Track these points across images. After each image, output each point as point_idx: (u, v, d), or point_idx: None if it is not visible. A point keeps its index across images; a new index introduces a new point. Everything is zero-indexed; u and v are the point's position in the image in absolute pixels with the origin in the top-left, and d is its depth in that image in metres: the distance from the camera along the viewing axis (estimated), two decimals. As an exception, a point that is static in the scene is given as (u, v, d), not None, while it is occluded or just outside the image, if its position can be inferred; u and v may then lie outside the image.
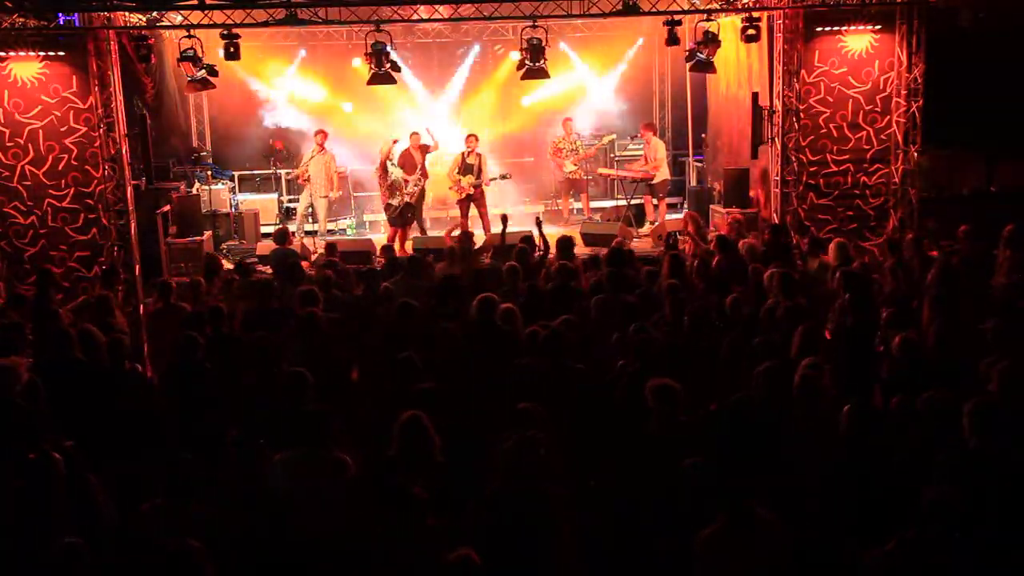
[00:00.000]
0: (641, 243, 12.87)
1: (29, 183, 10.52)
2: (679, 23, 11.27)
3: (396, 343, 6.47)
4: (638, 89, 16.74)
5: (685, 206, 14.54)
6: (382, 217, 13.86)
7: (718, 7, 11.61)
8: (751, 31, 11.04)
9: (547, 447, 4.77)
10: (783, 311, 6.79)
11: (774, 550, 4.28)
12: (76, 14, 10.20)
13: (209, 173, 14.55)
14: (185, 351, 6.59)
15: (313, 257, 11.34)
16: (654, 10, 11.15)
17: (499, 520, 4.45)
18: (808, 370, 5.47)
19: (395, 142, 13.08)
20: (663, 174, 13.86)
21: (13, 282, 10.24)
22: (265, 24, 11.02)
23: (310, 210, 13.87)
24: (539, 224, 9.89)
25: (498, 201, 14.93)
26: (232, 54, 10.78)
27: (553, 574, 4.43)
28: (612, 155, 15.62)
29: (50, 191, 10.57)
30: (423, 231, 13.60)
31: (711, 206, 13.67)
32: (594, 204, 15.26)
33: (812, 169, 11.54)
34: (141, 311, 10.44)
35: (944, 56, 11.44)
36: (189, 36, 10.59)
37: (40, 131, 10.45)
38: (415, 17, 11.99)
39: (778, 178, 11.62)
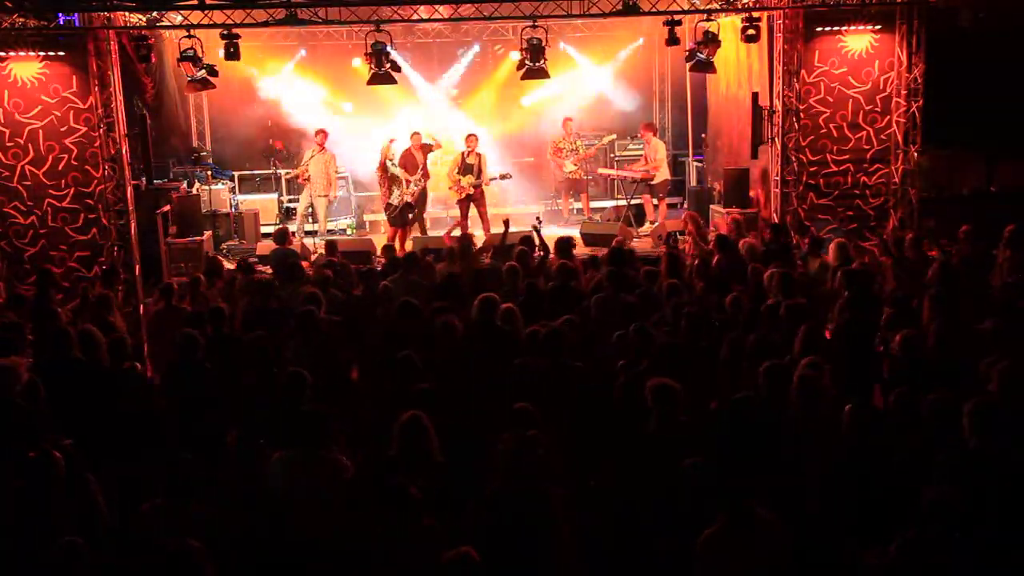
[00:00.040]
0: (641, 243, 12.87)
1: (29, 183, 10.52)
2: (679, 23, 11.28)
3: (396, 343, 6.47)
4: (638, 89, 16.74)
5: (685, 206, 14.53)
6: (382, 217, 13.86)
7: (718, 7, 11.60)
8: (751, 31, 11.05)
9: (545, 447, 4.78)
10: (784, 310, 6.79)
11: (774, 550, 4.28)
12: (76, 14, 10.20)
13: (209, 173, 14.55)
14: (185, 351, 6.59)
15: (313, 257, 11.33)
16: (654, 10, 11.15)
17: (499, 520, 4.45)
18: (808, 370, 5.48)
19: (392, 141, 13.07)
20: (663, 174, 13.86)
21: (13, 282, 10.24)
22: (265, 24, 11.02)
23: (310, 210, 13.86)
24: (538, 230, 9.82)
25: (498, 201, 14.96)
26: (232, 54, 10.78)
27: (553, 574, 4.43)
28: (612, 155, 15.61)
29: (50, 191, 10.57)
30: (423, 231, 13.59)
31: (711, 206, 13.67)
32: (594, 204, 15.25)
33: (812, 169, 11.54)
34: (141, 311, 10.45)
35: (944, 56, 11.45)
36: (189, 36, 10.59)
37: (40, 131, 10.45)
38: (415, 17, 11.99)
39: (778, 178, 11.62)
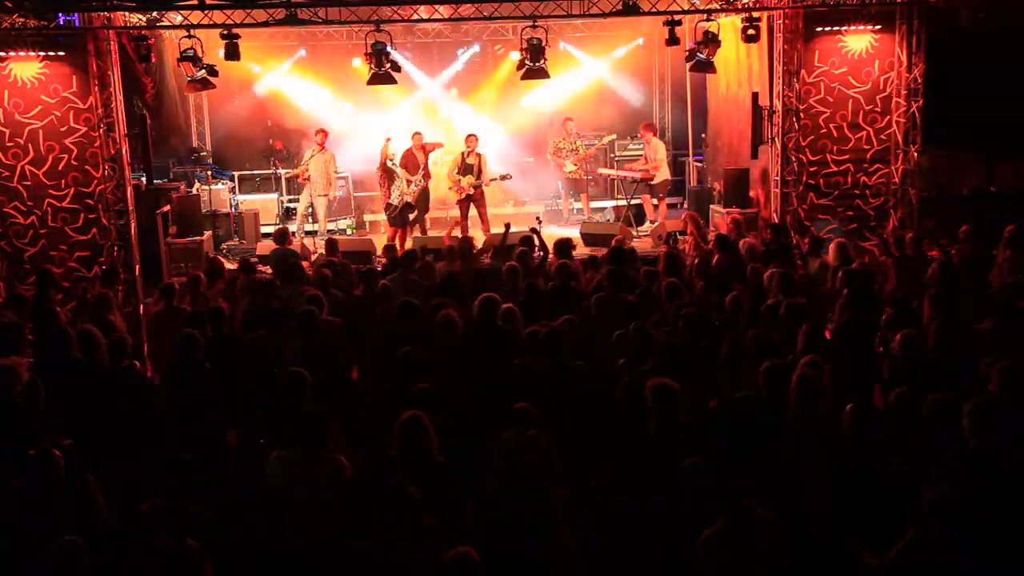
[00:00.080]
0: (641, 243, 12.87)
1: (29, 183, 10.52)
2: (679, 23, 11.27)
3: (396, 342, 6.47)
4: (638, 89, 16.73)
5: (685, 206, 14.53)
6: (382, 217, 13.86)
7: (718, 7, 11.60)
8: (751, 31, 11.04)
9: (545, 447, 4.78)
10: (784, 310, 6.80)
11: (774, 550, 4.28)
12: (76, 14, 10.20)
13: (209, 173, 14.55)
14: (185, 351, 6.59)
15: (313, 257, 11.33)
16: (654, 10, 11.14)
17: (499, 520, 4.45)
18: (807, 369, 5.48)
19: (388, 140, 13.04)
20: (663, 174, 13.85)
21: (13, 282, 10.24)
22: (265, 24, 11.01)
23: (310, 210, 13.86)
24: (537, 231, 9.82)
25: (499, 201, 14.95)
26: (232, 54, 10.78)
27: (553, 574, 4.43)
28: (612, 155, 15.60)
29: (50, 191, 10.57)
30: (424, 231, 13.59)
31: (711, 206, 13.67)
32: (594, 204, 15.25)
33: (812, 169, 11.54)
34: (141, 311, 10.45)
35: (944, 56, 11.45)
36: (189, 36, 10.59)
37: (40, 131, 10.45)
38: (415, 17, 11.98)
39: (778, 178, 11.62)
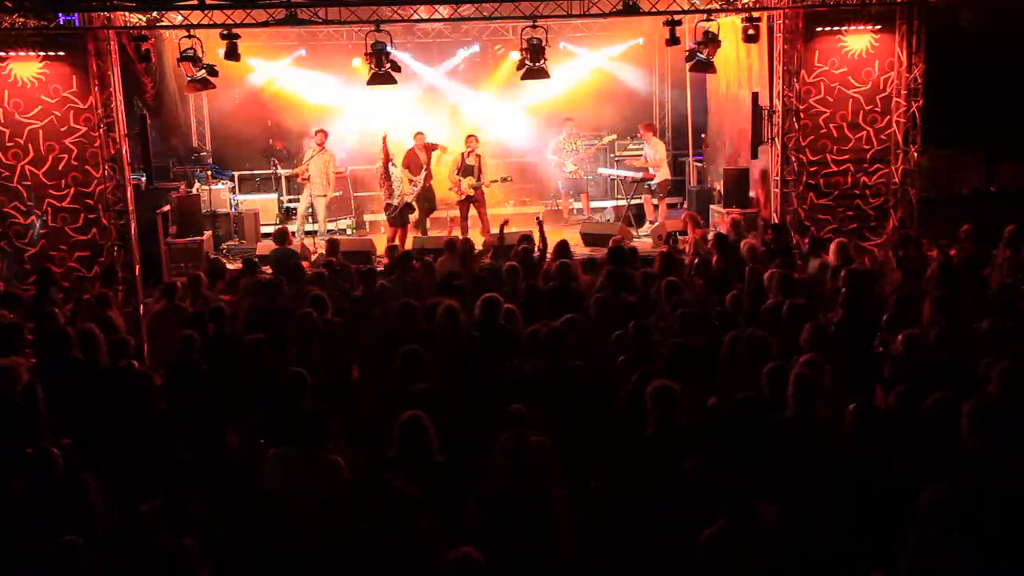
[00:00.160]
0: (641, 243, 12.87)
1: (29, 183, 10.51)
2: (679, 23, 11.27)
3: (395, 343, 6.46)
4: (638, 89, 16.73)
5: (685, 206, 14.54)
6: (382, 217, 13.85)
7: (718, 7, 11.60)
8: (751, 31, 11.04)
9: (545, 447, 4.77)
10: (787, 309, 6.79)
11: (774, 550, 4.28)
12: (76, 14, 10.19)
13: (209, 173, 14.55)
14: (185, 351, 6.59)
15: (313, 257, 11.34)
16: (654, 10, 11.14)
17: (499, 520, 4.44)
18: (805, 368, 5.47)
19: (386, 137, 13.00)
20: (663, 174, 13.86)
21: (13, 282, 10.24)
22: (265, 24, 11.01)
23: (310, 210, 13.87)
24: (540, 225, 9.87)
25: (499, 201, 14.94)
26: (232, 54, 10.79)
27: (553, 574, 4.43)
28: (612, 155, 15.61)
29: (50, 191, 10.56)
30: (424, 231, 13.59)
31: (711, 206, 13.67)
32: (594, 204, 15.26)
33: (812, 169, 11.54)
34: (141, 311, 10.44)
35: (944, 56, 11.45)
36: (189, 36, 10.59)
37: (40, 131, 10.44)
38: (415, 17, 11.98)
39: (778, 178, 11.62)
